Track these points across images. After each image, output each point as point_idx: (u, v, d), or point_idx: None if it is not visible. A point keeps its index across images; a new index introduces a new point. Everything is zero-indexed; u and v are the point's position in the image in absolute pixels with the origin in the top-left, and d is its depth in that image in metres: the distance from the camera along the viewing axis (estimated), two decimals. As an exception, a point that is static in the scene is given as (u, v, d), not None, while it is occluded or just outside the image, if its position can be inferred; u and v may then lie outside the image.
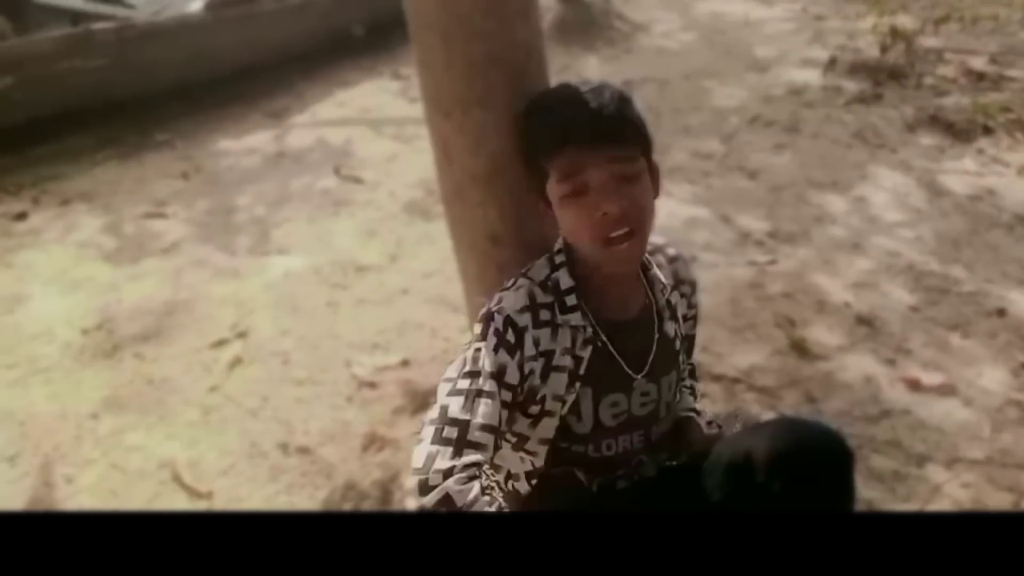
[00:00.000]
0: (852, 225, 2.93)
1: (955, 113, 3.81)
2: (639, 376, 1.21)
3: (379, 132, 4.06)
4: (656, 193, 1.16)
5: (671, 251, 1.31)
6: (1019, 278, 2.56)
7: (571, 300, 1.16)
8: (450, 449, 1.04)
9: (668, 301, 1.25)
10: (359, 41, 5.13)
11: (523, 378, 1.12)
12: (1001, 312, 2.39)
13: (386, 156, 3.76)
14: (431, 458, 1.03)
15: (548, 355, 1.14)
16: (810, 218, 3.00)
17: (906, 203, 3.07)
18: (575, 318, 1.15)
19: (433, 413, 1.09)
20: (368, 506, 1.76)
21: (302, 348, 2.40)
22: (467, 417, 1.06)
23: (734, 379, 2.15)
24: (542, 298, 1.15)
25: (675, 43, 5.25)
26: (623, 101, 1.11)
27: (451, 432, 1.05)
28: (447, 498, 1.01)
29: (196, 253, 2.99)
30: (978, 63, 4.44)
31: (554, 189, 1.12)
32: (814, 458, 1.10)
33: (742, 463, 1.14)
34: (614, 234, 1.08)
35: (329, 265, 2.85)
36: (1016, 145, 3.51)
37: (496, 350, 1.10)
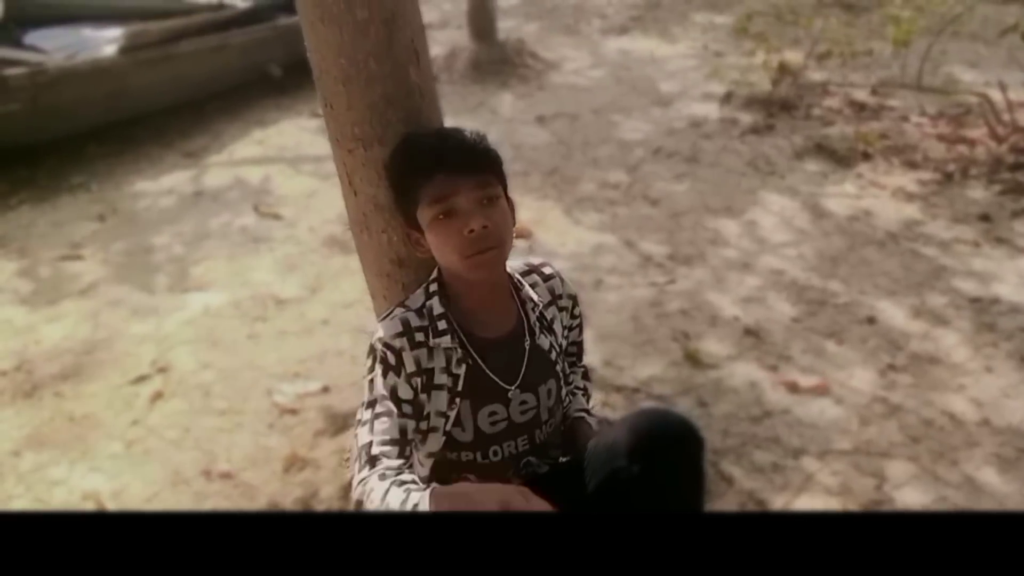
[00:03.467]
0: (743, 247, 3.17)
1: (839, 141, 4.14)
2: (512, 387, 1.35)
3: (297, 169, 4.16)
4: (513, 221, 1.32)
5: (547, 270, 1.47)
6: (889, 289, 2.82)
7: (442, 324, 1.29)
8: (365, 468, 1.18)
9: (541, 315, 1.40)
10: (277, 80, 5.22)
11: (414, 392, 1.26)
12: (871, 320, 2.64)
13: (305, 192, 3.86)
14: (354, 481, 1.19)
15: (428, 373, 1.28)
16: (706, 241, 3.23)
17: (792, 225, 3.34)
18: (446, 340, 1.28)
19: (353, 450, 1.24)
20: (289, 522, 1.85)
21: (223, 380, 2.47)
22: (370, 438, 1.21)
23: (634, 389, 2.32)
24: (416, 323, 1.28)
25: (585, 80, 5.51)
26: (482, 138, 1.29)
27: (363, 456, 1.20)
28: (358, 502, 1.17)
29: (114, 293, 3.02)
30: (860, 95, 4.82)
31: (425, 213, 1.26)
32: (665, 442, 1.25)
33: (608, 452, 1.30)
34: (479, 248, 1.23)
35: (249, 299, 2.93)
36: (892, 169, 3.84)
37: (385, 374, 1.25)
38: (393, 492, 1.12)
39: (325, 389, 2.39)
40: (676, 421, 1.30)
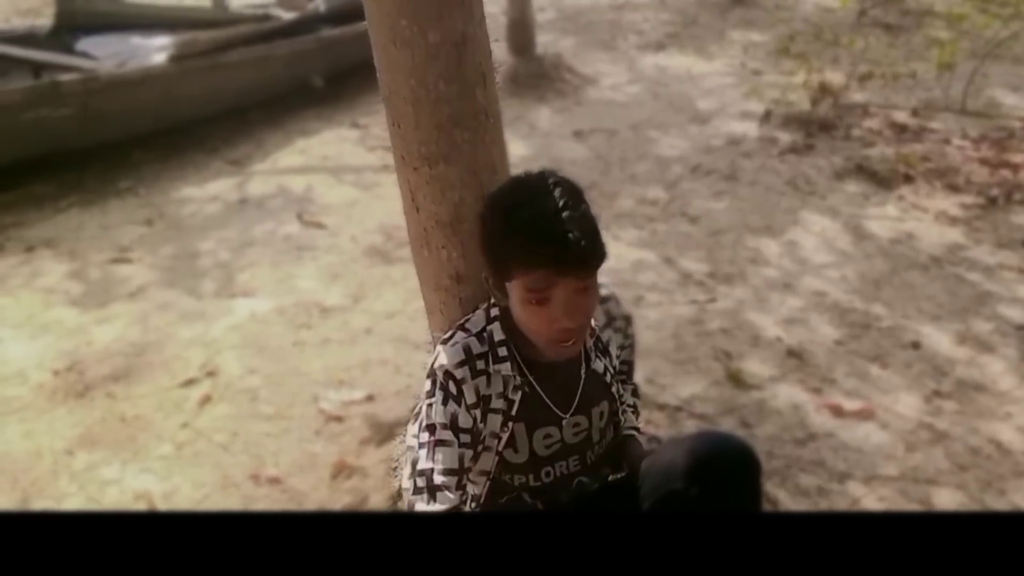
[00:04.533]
0: (784, 267, 3.17)
1: (879, 163, 4.12)
2: (567, 414, 1.37)
3: (339, 179, 4.22)
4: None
5: (604, 292, 1.47)
6: (933, 314, 2.81)
7: (503, 351, 1.30)
8: (424, 495, 1.24)
9: (598, 339, 1.42)
10: (318, 91, 5.31)
11: (473, 421, 1.29)
12: (916, 345, 2.63)
13: (347, 202, 3.92)
14: (411, 506, 1.24)
15: (486, 400, 1.30)
16: (746, 260, 3.23)
17: (833, 246, 3.33)
18: (505, 368, 1.30)
19: (408, 467, 1.28)
20: (338, 530, 1.88)
21: (270, 385, 2.52)
22: (430, 466, 1.25)
23: (676, 407, 2.33)
24: (477, 349, 1.30)
25: (622, 95, 5.53)
26: (593, 228, 1.19)
27: (421, 481, 1.24)
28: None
29: (163, 297, 3.08)
30: (901, 116, 4.79)
31: (516, 290, 1.22)
32: (725, 466, 1.26)
33: (665, 474, 1.32)
34: (564, 339, 1.23)
35: (294, 307, 2.98)
36: (934, 192, 3.82)
37: (445, 403, 1.27)
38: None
39: (370, 398, 2.42)
40: (736, 446, 1.31)
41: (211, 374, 2.57)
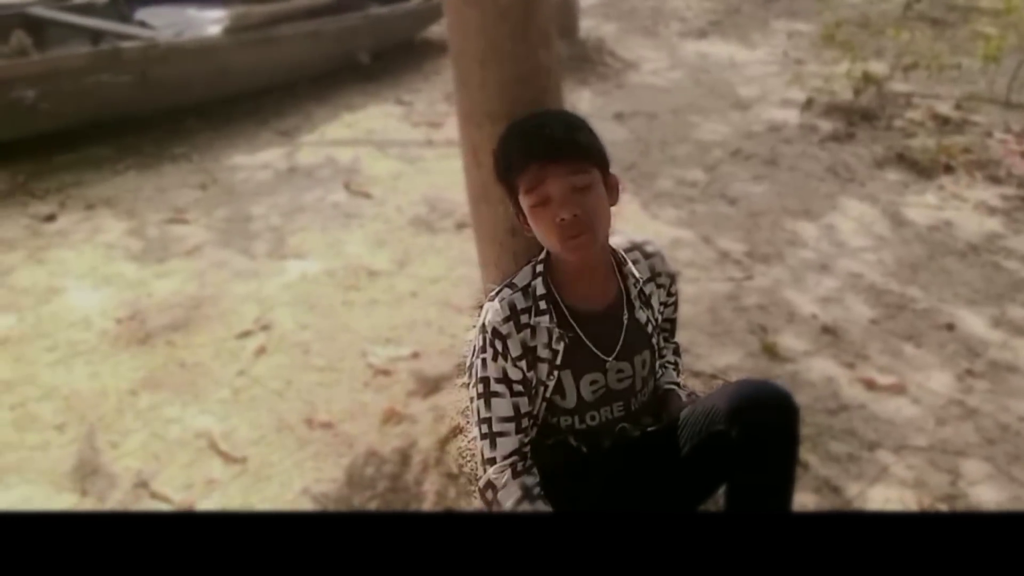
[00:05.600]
0: (821, 249, 3.22)
1: (920, 153, 4.13)
2: (610, 358, 1.46)
3: (384, 152, 4.33)
4: (614, 200, 1.41)
5: (649, 248, 1.56)
6: (968, 298, 2.84)
7: (543, 304, 1.41)
8: (487, 442, 1.41)
9: (641, 291, 1.50)
10: (365, 67, 5.42)
11: (522, 372, 1.40)
12: (950, 327, 2.67)
13: (392, 175, 4.02)
14: (479, 452, 1.43)
15: (531, 351, 1.41)
16: (784, 242, 3.28)
17: (871, 231, 3.37)
18: (545, 320, 1.40)
19: (472, 417, 1.46)
20: (387, 470, 1.99)
21: (321, 340, 2.63)
22: (488, 415, 1.41)
23: (712, 375, 2.40)
24: (521, 304, 1.41)
25: (663, 80, 5.57)
26: (574, 126, 1.36)
27: (484, 428, 1.41)
28: (489, 483, 1.42)
29: (218, 256, 3.22)
30: (944, 108, 4.78)
31: (523, 201, 1.36)
32: (765, 410, 1.35)
33: (707, 417, 1.40)
34: (572, 233, 1.33)
35: (342, 269, 3.09)
36: (974, 183, 3.83)
37: (495, 358, 1.40)
38: (524, 507, 1.37)
39: (415, 355, 2.53)
40: (774, 390, 1.39)
41: (265, 328, 2.70)
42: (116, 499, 1.99)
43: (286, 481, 2.03)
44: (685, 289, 2.90)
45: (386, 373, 2.44)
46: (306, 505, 1.95)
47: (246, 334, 2.66)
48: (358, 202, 3.72)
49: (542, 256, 1.47)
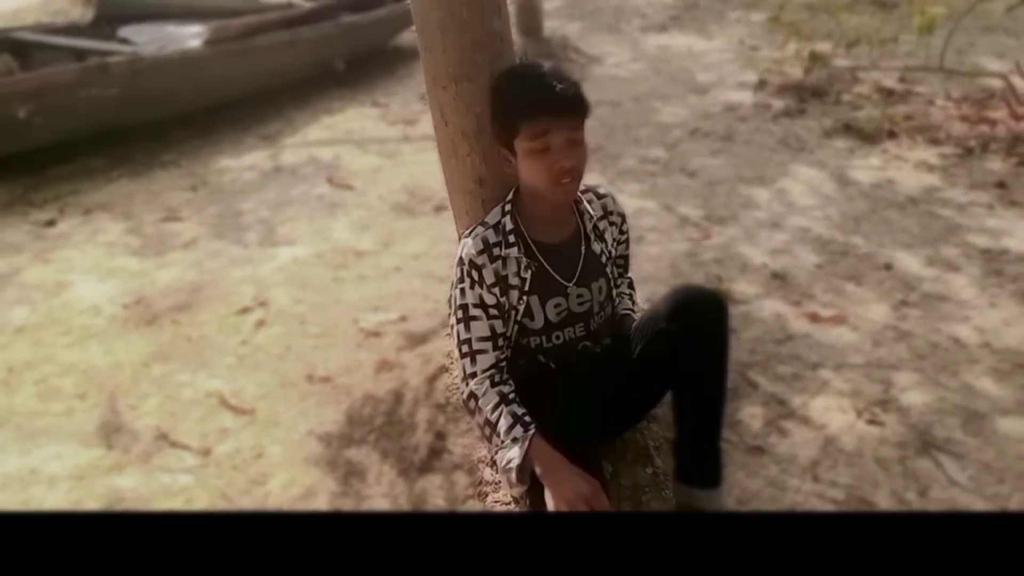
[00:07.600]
0: (773, 209, 3.48)
1: (866, 122, 4.42)
2: (571, 284, 1.71)
3: (364, 149, 4.56)
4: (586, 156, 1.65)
5: (601, 190, 1.83)
6: (906, 243, 3.11)
7: (512, 238, 1.66)
8: (467, 359, 1.64)
9: (596, 227, 1.76)
10: (341, 74, 5.66)
11: (496, 297, 1.64)
12: (888, 266, 2.94)
13: (372, 168, 4.26)
14: (461, 369, 1.66)
15: (503, 279, 1.66)
16: (739, 205, 3.55)
17: (819, 192, 3.64)
18: (514, 251, 1.65)
19: (453, 341, 1.68)
20: (383, 408, 2.22)
21: (315, 312, 2.86)
22: (468, 336, 1.64)
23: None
24: (493, 239, 1.66)
25: (626, 72, 5.85)
26: (577, 85, 1.58)
27: (465, 348, 1.65)
28: (471, 394, 1.65)
29: (213, 247, 3.44)
30: (889, 81, 5.09)
31: (523, 143, 1.59)
32: (699, 306, 1.62)
33: (652, 319, 1.65)
34: (565, 180, 1.58)
35: (331, 252, 3.32)
36: (915, 146, 4.12)
37: (472, 287, 1.65)
38: (505, 417, 1.58)
39: (403, 318, 2.76)
40: (707, 291, 1.66)
41: (263, 304, 2.92)
42: (140, 450, 2.20)
43: (292, 425, 2.25)
44: (648, 251, 3.16)
45: (377, 335, 2.67)
46: (312, 445, 2.17)
47: (245, 310, 2.88)
48: (341, 194, 3.95)
49: (510, 197, 1.72)
